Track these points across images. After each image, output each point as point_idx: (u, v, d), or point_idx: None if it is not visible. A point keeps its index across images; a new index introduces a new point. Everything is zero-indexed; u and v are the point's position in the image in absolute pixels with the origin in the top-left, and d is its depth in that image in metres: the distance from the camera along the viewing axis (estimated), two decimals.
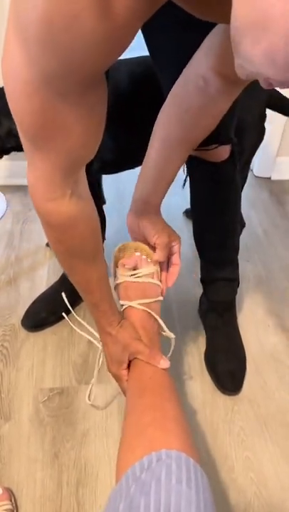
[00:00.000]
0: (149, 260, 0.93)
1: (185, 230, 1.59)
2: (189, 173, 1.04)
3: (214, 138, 0.95)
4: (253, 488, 0.92)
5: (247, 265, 1.45)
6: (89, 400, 0.99)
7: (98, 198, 1.17)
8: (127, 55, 1.14)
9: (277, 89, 1.16)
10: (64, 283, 1.29)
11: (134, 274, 0.88)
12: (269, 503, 0.89)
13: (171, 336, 0.84)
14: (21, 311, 1.25)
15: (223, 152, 0.96)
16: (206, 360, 1.16)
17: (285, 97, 1.18)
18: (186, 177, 1.05)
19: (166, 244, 0.84)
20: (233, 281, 1.19)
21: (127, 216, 0.86)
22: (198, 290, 1.27)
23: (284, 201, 1.78)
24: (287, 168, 1.89)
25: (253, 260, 1.48)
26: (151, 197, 0.83)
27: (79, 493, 0.90)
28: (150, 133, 1.15)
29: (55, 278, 1.32)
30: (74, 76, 0.48)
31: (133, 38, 0.48)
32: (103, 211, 1.23)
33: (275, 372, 1.14)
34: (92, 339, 1.18)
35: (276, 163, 1.87)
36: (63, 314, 1.24)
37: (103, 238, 1.25)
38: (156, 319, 0.83)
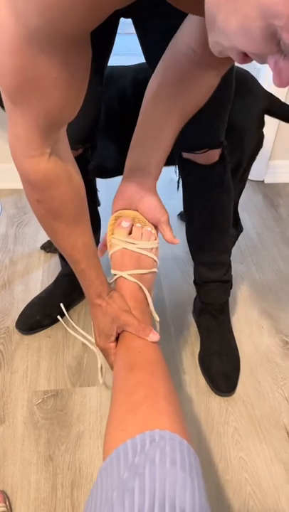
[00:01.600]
0: (148, 229, 0.85)
1: (179, 232, 1.60)
2: (181, 175, 1.05)
3: (205, 142, 0.96)
4: (248, 488, 0.92)
5: (240, 267, 1.46)
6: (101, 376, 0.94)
7: (93, 201, 1.18)
8: (132, 61, 1.16)
9: (278, 96, 1.17)
10: (58, 286, 1.29)
11: (132, 243, 0.82)
12: (263, 503, 0.90)
13: (156, 317, 0.81)
14: (15, 314, 1.25)
15: (213, 155, 0.97)
16: (200, 361, 1.17)
17: (285, 104, 1.18)
18: (179, 179, 1.06)
19: (168, 220, 0.82)
20: (226, 283, 1.20)
21: (119, 188, 0.82)
22: (192, 292, 1.28)
23: (277, 204, 1.79)
24: (280, 171, 1.91)
25: (246, 262, 1.49)
26: (152, 167, 0.79)
27: (74, 495, 0.90)
28: None
29: (49, 281, 1.32)
30: (57, 34, 0.49)
31: (119, 3, 0.49)
32: (98, 213, 1.23)
33: (268, 374, 1.14)
34: (86, 342, 1.18)
35: (269, 167, 1.89)
36: (58, 317, 1.24)
37: (97, 240, 1.25)
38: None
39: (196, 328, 1.25)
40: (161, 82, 0.77)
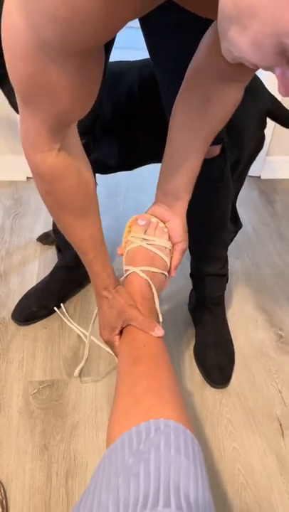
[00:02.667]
0: (165, 230, 0.87)
1: None
2: None
3: None
4: (240, 478, 0.93)
5: (236, 262, 1.47)
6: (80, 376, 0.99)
7: None
8: (131, 54, 1.15)
9: (279, 98, 1.18)
10: (55, 277, 1.30)
11: (148, 240, 0.84)
12: (256, 493, 0.91)
13: (160, 318, 0.81)
14: (11, 305, 1.25)
15: (214, 150, 0.97)
16: (195, 354, 1.17)
17: (286, 109, 1.17)
18: None
19: (183, 253, 0.84)
20: (222, 277, 1.21)
21: (151, 208, 0.84)
22: (188, 285, 1.29)
23: (273, 200, 1.80)
24: (277, 167, 1.92)
25: (242, 257, 1.50)
26: (182, 191, 0.81)
27: (68, 484, 0.91)
28: (156, 136, 1.16)
29: (45, 273, 1.33)
30: (70, 48, 0.50)
31: (131, 15, 0.50)
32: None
33: (262, 367, 1.15)
34: (80, 334, 1.19)
35: (266, 162, 1.90)
36: (54, 308, 1.24)
37: None
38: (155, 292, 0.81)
39: (192, 321, 1.25)
40: (185, 106, 0.78)
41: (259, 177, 1.93)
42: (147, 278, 0.79)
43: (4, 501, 0.87)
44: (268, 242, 1.58)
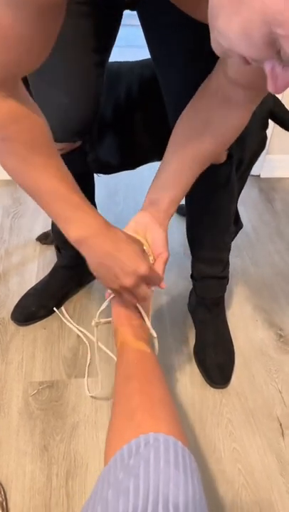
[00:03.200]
0: (144, 248, 0.91)
1: (175, 226, 1.60)
2: None
3: None
4: (241, 478, 0.93)
5: (236, 261, 1.47)
6: (89, 391, 1.00)
7: (90, 194, 1.17)
8: (131, 53, 1.14)
9: (280, 97, 1.17)
10: (54, 277, 1.29)
11: None
12: (256, 493, 0.91)
13: (153, 334, 0.82)
14: (11, 306, 1.24)
15: (222, 156, 0.96)
16: (195, 354, 1.17)
17: (287, 111, 1.17)
18: None
19: (167, 260, 0.82)
20: (223, 279, 1.21)
21: (138, 213, 0.84)
22: (188, 285, 1.28)
23: (273, 198, 1.80)
24: (277, 166, 1.92)
25: (241, 256, 1.50)
26: (165, 204, 0.81)
27: (68, 485, 0.90)
28: (156, 135, 1.16)
29: (44, 273, 1.32)
30: None
31: None
32: (96, 207, 1.23)
33: (262, 367, 1.15)
34: (80, 334, 1.19)
35: (265, 161, 1.89)
36: (54, 309, 1.24)
37: None
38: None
39: (191, 321, 1.25)
40: (187, 124, 0.78)
41: (259, 176, 1.92)
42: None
43: (4, 503, 0.87)
44: (267, 241, 1.58)
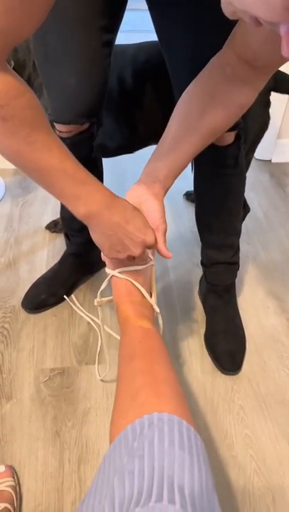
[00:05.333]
0: None
1: (185, 212, 1.59)
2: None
3: None
4: (253, 464, 0.93)
5: (247, 247, 1.45)
6: (99, 375, 1.00)
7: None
8: (136, 37, 1.12)
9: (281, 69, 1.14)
10: (64, 265, 1.29)
11: None
12: (268, 479, 0.91)
13: (156, 309, 0.81)
14: (21, 293, 1.25)
15: (228, 136, 0.94)
16: (205, 340, 1.17)
17: None
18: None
19: (165, 231, 0.81)
20: (234, 265, 1.19)
21: (132, 186, 0.82)
22: (198, 272, 1.27)
23: (284, 184, 1.77)
24: (288, 150, 1.88)
25: (252, 242, 1.48)
26: (162, 175, 0.80)
27: (80, 470, 0.91)
28: (155, 117, 1.13)
29: (54, 261, 1.32)
30: None
31: None
32: None
33: (274, 353, 1.14)
34: (90, 321, 1.19)
35: (277, 146, 1.86)
36: (64, 296, 1.24)
37: None
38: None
39: (202, 308, 1.24)
40: (190, 97, 0.77)
41: (270, 161, 1.89)
42: (127, 278, 0.79)
43: (17, 487, 0.88)
44: (278, 226, 1.55)
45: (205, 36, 0.78)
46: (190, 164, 1.04)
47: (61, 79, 0.86)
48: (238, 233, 1.15)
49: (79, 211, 0.70)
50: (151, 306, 0.82)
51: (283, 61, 0.69)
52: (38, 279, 1.28)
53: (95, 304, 0.87)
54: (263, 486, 0.90)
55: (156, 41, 0.98)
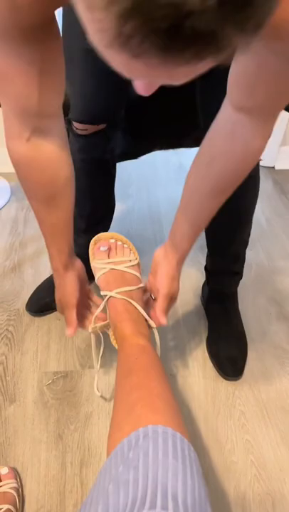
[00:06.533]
0: (125, 246, 0.95)
1: None
2: None
3: None
4: (253, 470, 0.94)
5: (250, 254, 1.45)
6: (98, 390, 1.01)
7: (109, 184, 1.18)
8: None
9: None
10: None
11: (113, 263, 0.90)
12: (268, 485, 0.91)
13: (152, 324, 0.86)
14: (26, 297, 1.26)
15: None
16: (207, 346, 1.18)
17: None
18: None
19: (167, 295, 0.86)
20: (237, 275, 1.20)
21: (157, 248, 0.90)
22: (201, 277, 1.28)
23: (287, 190, 1.78)
24: None
25: (255, 249, 1.49)
26: (176, 239, 0.85)
27: (82, 473, 0.92)
28: (160, 127, 1.15)
29: None
30: (18, 25, 0.51)
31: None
32: (114, 198, 1.24)
33: (275, 359, 1.15)
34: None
35: (280, 153, 1.87)
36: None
37: (108, 226, 1.25)
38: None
39: (204, 313, 1.25)
40: (200, 170, 0.76)
41: (273, 167, 1.90)
42: (124, 297, 0.85)
43: (20, 489, 0.89)
44: (281, 232, 1.56)
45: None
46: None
47: (81, 81, 0.90)
48: (245, 244, 1.16)
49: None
50: (147, 323, 0.86)
51: (281, 101, 0.63)
52: (43, 282, 1.29)
53: (90, 330, 0.91)
54: (264, 492, 0.90)
55: None
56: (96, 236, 0.96)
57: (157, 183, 1.78)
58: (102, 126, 0.99)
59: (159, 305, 0.86)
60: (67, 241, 0.84)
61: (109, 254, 0.93)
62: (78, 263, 0.89)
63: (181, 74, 0.31)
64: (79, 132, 1.00)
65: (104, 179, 1.15)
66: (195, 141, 1.31)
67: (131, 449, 0.55)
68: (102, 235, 0.96)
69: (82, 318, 0.92)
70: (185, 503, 0.47)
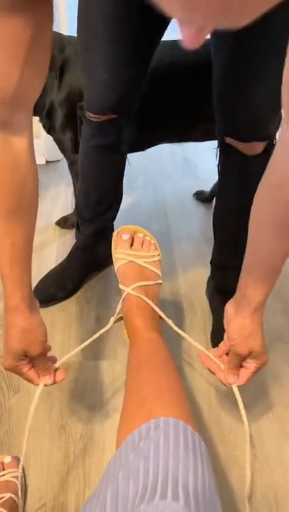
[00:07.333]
0: (152, 242, 0.95)
1: (195, 212, 1.59)
2: (220, 159, 1.02)
3: (254, 135, 0.92)
4: (256, 463, 0.93)
5: None
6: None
7: (119, 173, 1.17)
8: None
9: None
10: (72, 260, 1.31)
11: (134, 255, 0.90)
12: (270, 478, 0.91)
13: (168, 320, 0.86)
14: None
15: (258, 147, 0.94)
16: (212, 339, 1.17)
17: None
18: (219, 164, 1.04)
19: (237, 357, 0.77)
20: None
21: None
22: (206, 271, 1.28)
23: None
24: None
25: None
26: (248, 291, 0.75)
27: (85, 464, 0.92)
28: (167, 120, 1.14)
29: (63, 256, 1.33)
30: None
31: None
32: (122, 188, 1.24)
33: (281, 355, 1.14)
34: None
35: None
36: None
37: (114, 216, 1.25)
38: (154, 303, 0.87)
39: (209, 307, 1.25)
40: (264, 200, 0.69)
41: None
42: (139, 295, 0.85)
43: (23, 478, 0.89)
44: None
45: (247, 37, 0.70)
46: (215, 159, 1.04)
47: (96, 71, 0.90)
48: None
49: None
50: (159, 318, 0.86)
51: None
52: (47, 273, 1.29)
53: (111, 322, 0.90)
54: (266, 485, 0.90)
55: (167, 41, 0.99)
56: (120, 228, 0.95)
57: (163, 176, 1.77)
58: (114, 115, 0.99)
59: (228, 364, 0.79)
60: (29, 269, 0.69)
61: (134, 247, 0.92)
62: (37, 302, 0.75)
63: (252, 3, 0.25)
64: (92, 119, 1.01)
65: (115, 168, 1.14)
66: (203, 134, 1.31)
67: (142, 439, 0.55)
68: (126, 227, 0.96)
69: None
70: (196, 494, 0.47)
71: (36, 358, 0.73)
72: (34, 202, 0.67)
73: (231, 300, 0.80)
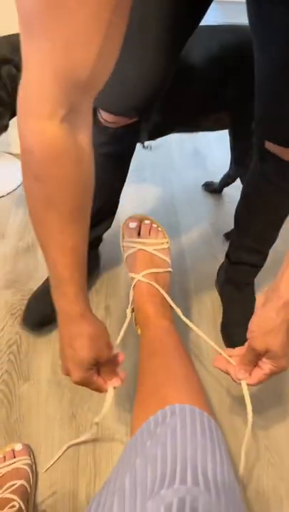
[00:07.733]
0: (160, 229, 0.94)
1: (203, 203, 1.58)
2: (255, 159, 0.99)
3: None
4: (267, 455, 0.93)
5: None
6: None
7: (122, 175, 1.12)
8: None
9: None
10: None
11: (142, 243, 0.89)
12: (282, 470, 0.91)
13: (177, 309, 0.85)
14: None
15: (286, 152, 0.89)
16: (222, 331, 1.17)
17: None
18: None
19: (252, 353, 0.71)
20: (258, 268, 1.19)
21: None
22: (215, 262, 1.27)
23: None
24: None
25: None
26: (283, 282, 0.70)
27: (96, 452, 0.92)
28: (178, 111, 1.11)
29: None
30: None
31: None
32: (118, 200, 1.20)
33: None
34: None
35: None
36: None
37: (111, 222, 1.20)
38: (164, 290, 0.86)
39: (219, 298, 1.24)
40: None
41: None
42: (150, 282, 0.84)
43: (34, 466, 0.89)
44: None
45: None
46: (229, 156, 1.01)
47: (122, 68, 0.79)
48: (273, 242, 1.14)
49: (58, 303, 0.65)
50: (170, 306, 0.86)
51: None
52: (40, 291, 1.25)
53: (128, 313, 0.88)
54: (277, 477, 0.90)
55: None
56: (129, 217, 0.94)
57: (172, 167, 1.76)
58: (133, 119, 0.88)
59: (241, 358, 0.74)
60: (85, 272, 0.63)
61: (142, 235, 0.91)
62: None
63: None
64: (107, 124, 0.89)
65: (120, 175, 1.08)
66: (214, 124, 1.29)
67: (158, 425, 0.54)
68: (134, 215, 0.94)
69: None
70: (215, 481, 0.47)
71: (105, 363, 0.69)
72: (91, 201, 0.61)
73: (264, 290, 0.74)
